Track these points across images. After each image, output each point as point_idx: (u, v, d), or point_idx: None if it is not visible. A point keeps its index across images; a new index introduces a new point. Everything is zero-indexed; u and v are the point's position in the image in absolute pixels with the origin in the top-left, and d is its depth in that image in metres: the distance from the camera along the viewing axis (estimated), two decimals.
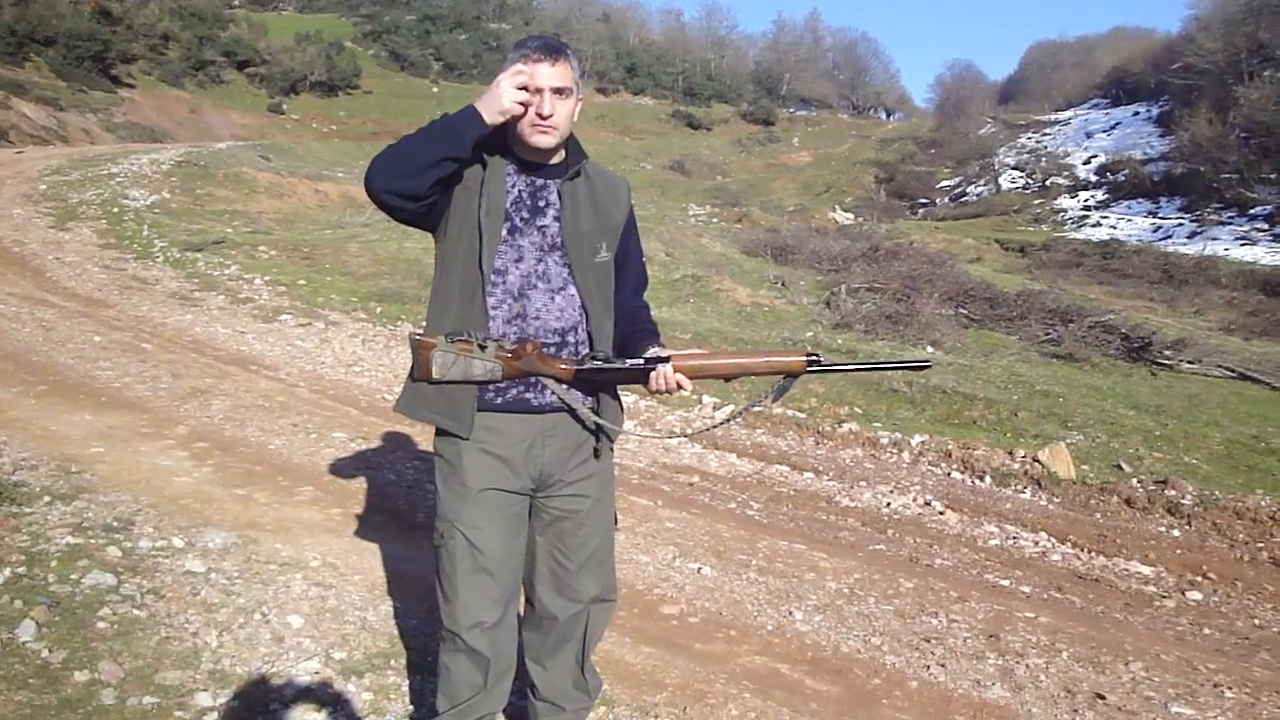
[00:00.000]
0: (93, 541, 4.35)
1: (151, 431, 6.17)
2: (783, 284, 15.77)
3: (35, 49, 42.89)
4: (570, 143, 2.63)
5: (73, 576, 3.98)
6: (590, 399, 2.68)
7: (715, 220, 28.60)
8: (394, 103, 59.83)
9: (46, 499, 4.77)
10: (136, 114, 44.76)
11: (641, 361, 2.61)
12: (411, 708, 3.40)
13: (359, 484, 5.62)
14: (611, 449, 2.80)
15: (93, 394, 6.85)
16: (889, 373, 8.82)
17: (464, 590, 2.62)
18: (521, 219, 2.59)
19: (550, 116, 2.48)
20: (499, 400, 2.59)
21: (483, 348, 2.50)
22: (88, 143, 34.99)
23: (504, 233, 2.57)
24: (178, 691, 3.33)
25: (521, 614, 2.87)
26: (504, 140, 2.57)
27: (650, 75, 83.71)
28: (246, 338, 9.23)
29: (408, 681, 3.56)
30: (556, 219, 2.63)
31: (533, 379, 2.58)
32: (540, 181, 2.63)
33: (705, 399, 8.00)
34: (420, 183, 2.43)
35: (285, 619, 3.92)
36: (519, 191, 2.61)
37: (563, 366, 2.57)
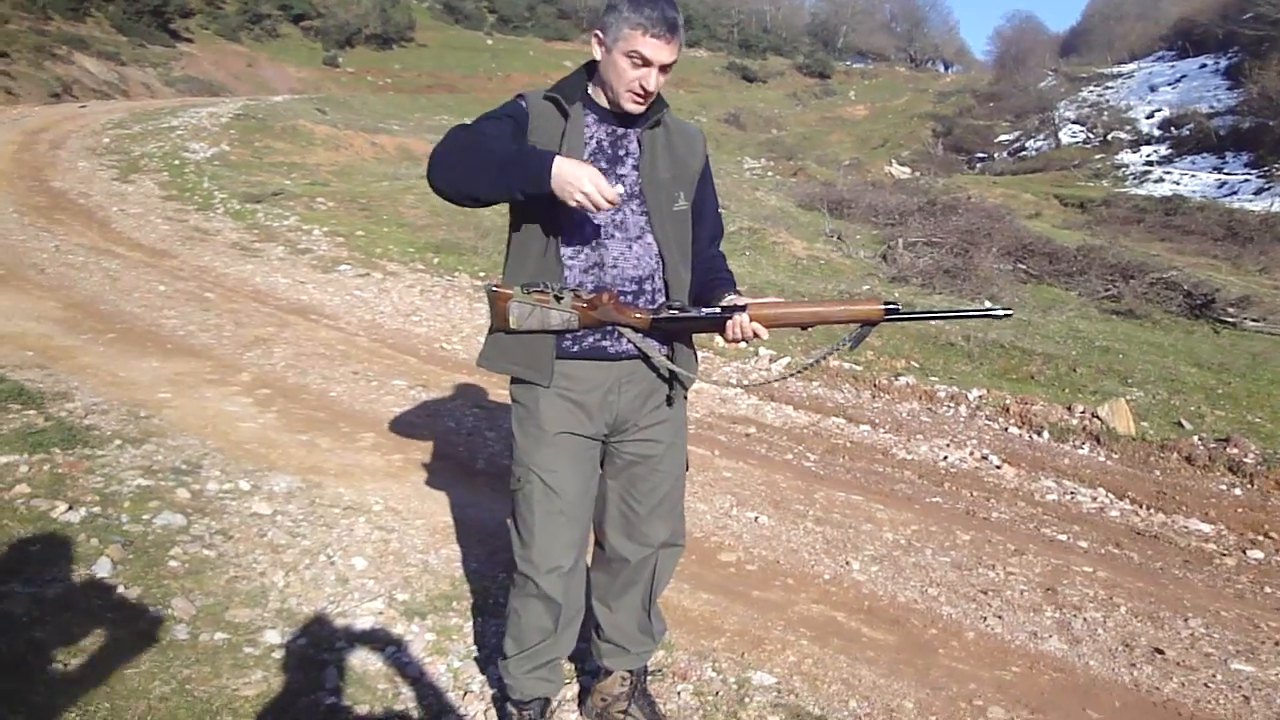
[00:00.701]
0: (163, 483, 4.47)
1: (216, 378, 6.30)
2: (839, 237, 15.63)
3: (96, 4, 43.12)
4: None
5: (144, 517, 4.11)
6: (665, 347, 2.69)
7: (770, 173, 28.46)
8: (448, 55, 59.64)
9: (117, 442, 4.90)
10: (194, 68, 44.98)
11: (718, 310, 2.58)
12: (474, 649, 3.47)
13: (419, 431, 5.70)
14: (685, 396, 2.81)
15: (159, 341, 6.99)
16: (948, 325, 8.75)
17: (540, 533, 2.65)
18: (600, 169, 2.54)
19: (650, 92, 2.48)
20: (576, 348, 2.60)
21: (559, 298, 2.50)
22: (147, 97, 35.36)
23: None
24: (247, 629, 3.43)
25: (589, 558, 2.91)
26: (585, 88, 2.58)
27: (705, 27, 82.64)
28: (306, 288, 9.35)
29: (470, 623, 3.63)
30: (635, 167, 2.62)
31: (609, 327, 2.58)
32: (620, 130, 2.61)
33: (762, 351, 7.99)
34: (475, 198, 2.44)
35: (349, 561, 4.01)
36: (598, 141, 2.60)
37: (639, 315, 2.56)
